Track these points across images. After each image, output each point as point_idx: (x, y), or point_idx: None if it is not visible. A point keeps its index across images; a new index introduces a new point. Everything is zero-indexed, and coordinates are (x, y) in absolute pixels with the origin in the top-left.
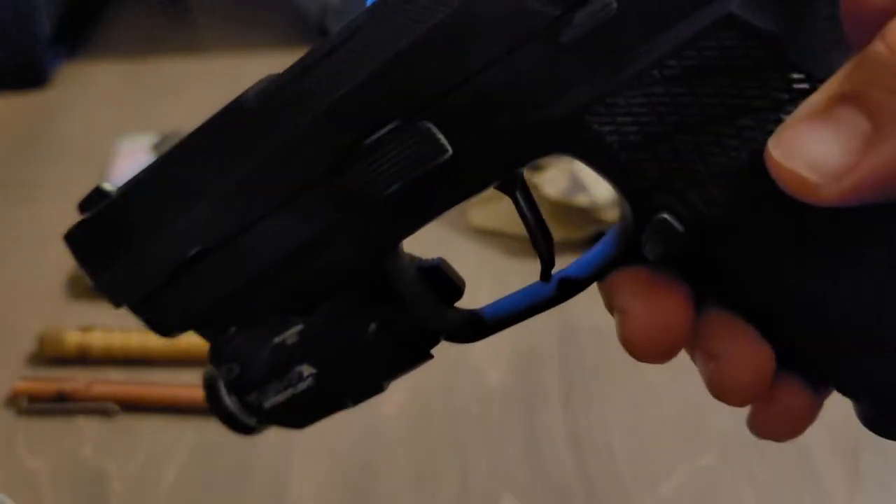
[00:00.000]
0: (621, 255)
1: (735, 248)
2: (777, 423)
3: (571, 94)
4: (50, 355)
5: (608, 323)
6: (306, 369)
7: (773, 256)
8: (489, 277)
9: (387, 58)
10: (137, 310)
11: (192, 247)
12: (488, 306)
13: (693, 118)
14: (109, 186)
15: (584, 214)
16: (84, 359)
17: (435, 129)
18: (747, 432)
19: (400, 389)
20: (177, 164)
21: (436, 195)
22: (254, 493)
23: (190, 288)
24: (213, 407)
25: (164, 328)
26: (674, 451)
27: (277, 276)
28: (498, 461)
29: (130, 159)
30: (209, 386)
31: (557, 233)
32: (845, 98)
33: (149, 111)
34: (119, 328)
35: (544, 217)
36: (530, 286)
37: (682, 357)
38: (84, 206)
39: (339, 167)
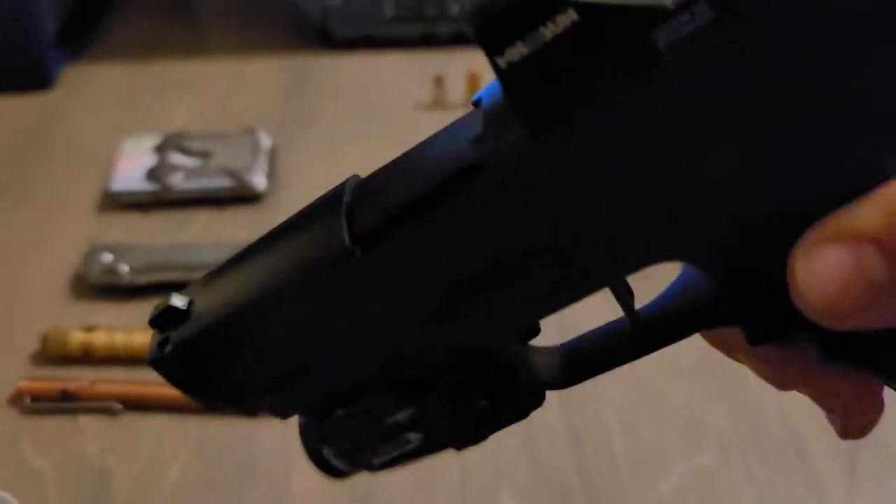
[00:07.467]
0: (704, 321)
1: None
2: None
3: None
4: (53, 355)
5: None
6: (414, 435)
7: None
8: None
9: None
10: (243, 408)
11: (307, 358)
12: (566, 343)
13: None
14: (180, 302)
15: None
16: (87, 358)
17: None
18: (745, 431)
19: None
20: (268, 308)
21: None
22: (256, 492)
23: (302, 387)
24: (312, 458)
25: (251, 413)
26: (673, 448)
27: (393, 372)
28: (497, 459)
29: (134, 160)
30: (306, 439)
31: None
32: (868, 239)
33: (152, 112)
34: (122, 328)
35: None
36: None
37: (681, 356)
38: (159, 323)
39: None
